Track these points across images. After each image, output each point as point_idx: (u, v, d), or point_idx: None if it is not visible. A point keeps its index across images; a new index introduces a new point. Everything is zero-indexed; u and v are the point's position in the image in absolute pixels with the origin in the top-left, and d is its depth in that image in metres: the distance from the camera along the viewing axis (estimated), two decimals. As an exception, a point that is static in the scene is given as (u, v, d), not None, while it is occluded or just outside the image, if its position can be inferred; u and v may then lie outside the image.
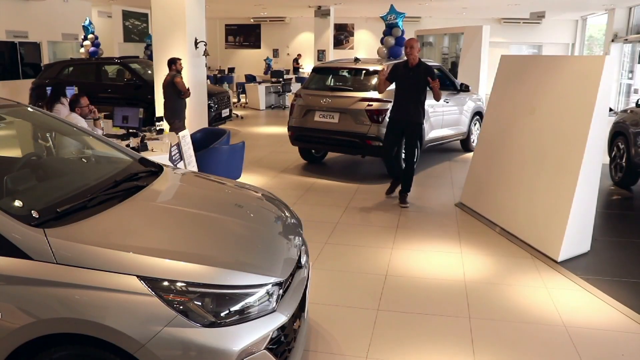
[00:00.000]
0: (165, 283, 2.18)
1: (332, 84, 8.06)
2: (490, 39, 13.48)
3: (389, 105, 7.04)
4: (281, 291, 2.49)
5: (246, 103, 17.10)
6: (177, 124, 8.22)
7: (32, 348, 2.14)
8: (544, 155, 5.04)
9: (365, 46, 23.90)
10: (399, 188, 6.59)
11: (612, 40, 17.51)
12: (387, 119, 7.08)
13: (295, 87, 15.63)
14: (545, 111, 5.16)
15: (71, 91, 7.60)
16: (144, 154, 4.19)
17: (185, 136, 5.28)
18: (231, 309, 2.25)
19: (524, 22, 22.20)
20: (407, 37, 10.31)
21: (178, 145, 5.10)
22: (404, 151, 6.91)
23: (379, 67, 7.71)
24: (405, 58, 6.39)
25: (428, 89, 6.26)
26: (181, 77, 7.98)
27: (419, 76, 6.15)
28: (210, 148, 5.75)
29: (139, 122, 5.84)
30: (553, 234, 4.74)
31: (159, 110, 7.86)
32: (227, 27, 26.02)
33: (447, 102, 8.50)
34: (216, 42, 25.09)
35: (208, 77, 13.24)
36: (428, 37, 16.00)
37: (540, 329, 3.60)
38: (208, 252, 2.51)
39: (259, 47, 25.72)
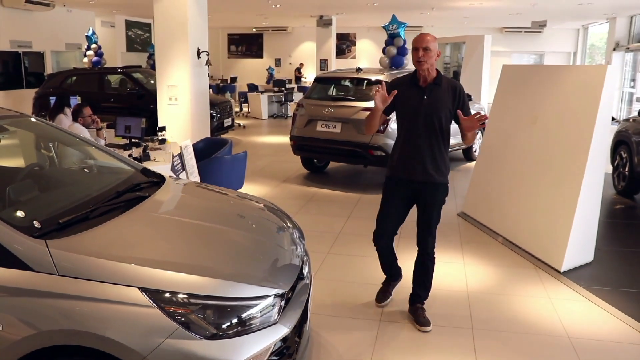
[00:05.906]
0: (167, 295, 2.17)
1: (334, 94, 8.07)
2: (492, 48, 13.52)
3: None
4: (283, 302, 2.48)
5: (248, 112, 17.14)
6: None
7: (33, 360, 2.13)
8: (546, 165, 5.04)
9: (368, 55, 23.99)
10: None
11: (614, 49, 17.54)
12: (389, 129, 7.03)
13: (298, 96, 15.67)
14: (547, 120, 5.16)
15: (74, 101, 7.62)
16: (146, 164, 4.20)
17: (187, 146, 5.29)
18: (233, 321, 2.25)
19: (525, 31, 22.27)
20: (409, 47, 10.23)
21: (180, 155, 5.11)
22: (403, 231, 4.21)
23: (381, 77, 7.67)
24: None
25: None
26: None
27: (441, 100, 3.53)
28: (213, 158, 5.76)
29: (141, 132, 5.85)
30: (556, 243, 4.72)
31: (161, 120, 7.88)
32: (230, 37, 26.15)
33: None
34: (218, 51, 25.20)
35: (210, 86, 13.28)
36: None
37: (544, 340, 3.58)
38: (209, 263, 2.50)
39: (261, 56, 25.84)
